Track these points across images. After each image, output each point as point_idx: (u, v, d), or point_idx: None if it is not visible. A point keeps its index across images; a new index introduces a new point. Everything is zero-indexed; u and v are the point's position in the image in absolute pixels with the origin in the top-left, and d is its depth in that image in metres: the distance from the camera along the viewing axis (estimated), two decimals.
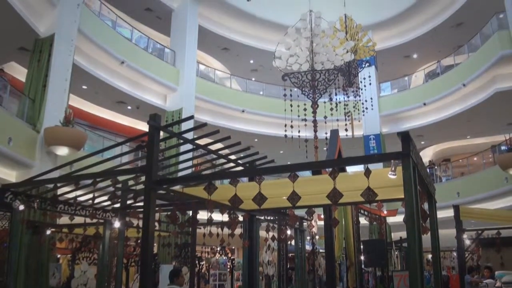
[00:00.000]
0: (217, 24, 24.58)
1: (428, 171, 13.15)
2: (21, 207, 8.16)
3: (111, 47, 17.52)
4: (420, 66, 27.05)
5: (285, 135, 11.25)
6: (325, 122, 11.34)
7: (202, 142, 7.36)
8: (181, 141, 7.25)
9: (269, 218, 9.73)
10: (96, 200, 8.55)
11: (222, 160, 8.70)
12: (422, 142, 26.35)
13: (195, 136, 7.42)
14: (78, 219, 9.49)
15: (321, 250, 14.77)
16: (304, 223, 12.01)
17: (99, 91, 18.90)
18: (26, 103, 12.56)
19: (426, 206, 6.05)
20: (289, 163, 7.01)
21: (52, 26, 13.54)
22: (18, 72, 16.55)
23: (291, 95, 11.04)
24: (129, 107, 21.00)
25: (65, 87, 13.37)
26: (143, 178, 5.91)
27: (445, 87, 21.77)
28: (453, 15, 22.13)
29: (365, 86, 15.75)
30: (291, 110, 11.01)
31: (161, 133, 6.27)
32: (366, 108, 15.84)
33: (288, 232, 10.75)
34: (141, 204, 8.11)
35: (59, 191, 8.58)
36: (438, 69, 23.86)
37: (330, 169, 4.84)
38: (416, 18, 24.07)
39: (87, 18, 15.90)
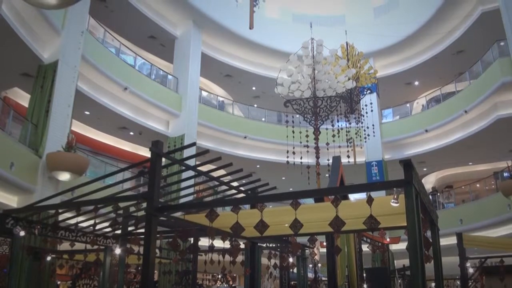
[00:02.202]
0: (219, 51, 24.76)
1: (430, 197, 13.09)
2: (22, 233, 8.11)
3: (115, 74, 17.61)
4: (421, 93, 27.16)
5: (287, 162, 11.25)
6: (327, 149, 11.39)
7: (204, 168, 7.36)
8: (183, 167, 7.24)
9: (271, 245, 9.66)
10: (97, 226, 8.50)
11: (224, 187, 8.68)
12: (424, 169, 26.28)
13: (197, 162, 7.41)
14: (79, 245, 9.43)
15: (323, 278, 14.64)
16: (307, 251, 11.92)
17: (101, 117, 18.96)
18: (29, 128, 12.59)
19: (429, 233, 6.01)
20: (291, 189, 7.01)
21: (56, 52, 13.66)
22: (21, 97, 16.66)
23: (293, 122, 11.08)
24: (131, 133, 21.04)
25: (68, 113, 13.45)
26: (144, 205, 5.90)
27: (447, 113, 21.82)
28: (454, 42, 22.32)
29: (367, 112, 15.80)
30: (293, 137, 11.04)
31: (163, 159, 6.27)
32: (368, 135, 15.88)
33: (290, 259, 10.65)
34: (142, 230, 8.06)
35: (60, 217, 8.54)
36: (440, 96, 23.92)
37: (333, 196, 4.83)
38: (417, 46, 24.25)
39: (91, 45, 16.05)
